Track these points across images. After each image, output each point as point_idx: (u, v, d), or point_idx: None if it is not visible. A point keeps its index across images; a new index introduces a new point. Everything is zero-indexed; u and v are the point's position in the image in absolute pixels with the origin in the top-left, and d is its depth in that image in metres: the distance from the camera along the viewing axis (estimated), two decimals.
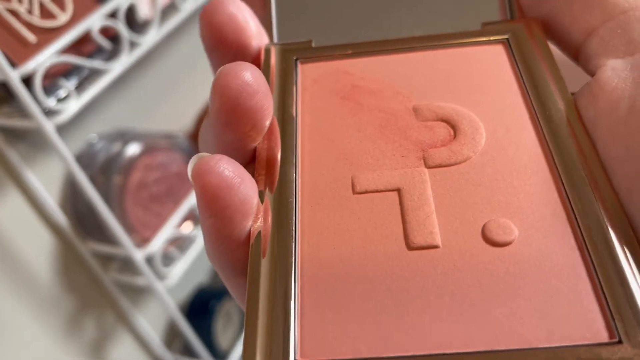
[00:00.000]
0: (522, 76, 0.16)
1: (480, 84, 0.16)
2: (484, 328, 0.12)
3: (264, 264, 0.13)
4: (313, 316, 0.13)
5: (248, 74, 0.14)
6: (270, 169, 0.15)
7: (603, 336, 0.11)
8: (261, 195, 0.14)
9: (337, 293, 0.13)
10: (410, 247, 0.13)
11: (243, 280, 0.14)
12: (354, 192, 0.14)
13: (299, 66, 0.17)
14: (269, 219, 0.14)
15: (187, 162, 0.66)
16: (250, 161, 0.15)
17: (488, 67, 0.16)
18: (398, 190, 0.14)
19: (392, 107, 0.16)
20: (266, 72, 0.17)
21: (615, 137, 0.14)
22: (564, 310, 0.12)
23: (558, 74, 0.16)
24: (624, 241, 0.13)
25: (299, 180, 0.15)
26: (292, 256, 0.13)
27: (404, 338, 0.12)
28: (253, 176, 0.14)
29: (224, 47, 0.16)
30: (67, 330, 0.65)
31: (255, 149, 0.15)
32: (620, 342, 0.11)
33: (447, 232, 0.13)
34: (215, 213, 0.13)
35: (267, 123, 0.15)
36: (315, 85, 0.17)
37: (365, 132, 0.16)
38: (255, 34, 0.16)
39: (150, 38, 0.59)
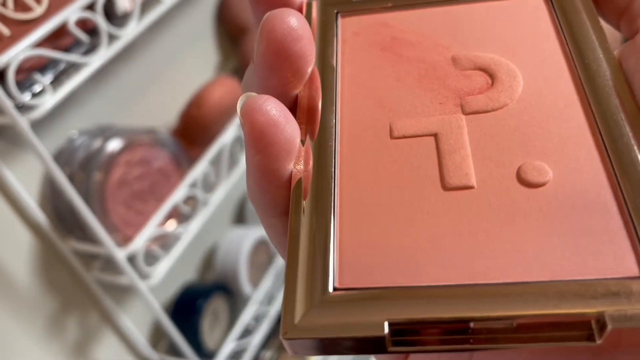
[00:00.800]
0: (562, 28, 0.16)
1: (519, 36, 0.16)
2: (517, 262, 0.12)
3: (306, 204, 0.14)
4: (351, 249, 0.13)
5: (293, 19, 0.14)
6: (311, 116, 0.15)
7: (634, 271, 0.12)
8: (302, 141, 0.15)
9: (375, 229, 0.13)
10: (445, 187, 0.14)
11: (281, 221, 0.15)
12: (392, 137, 0.15)
13: (340, 19, 0.18)
14: (310, 163, 0.15)
15: (170, 159, 0.65)
16: (291, 108, 0.16)
17: (528, 19, 0.17)
18: (435, 135, 0.15)
19: (431, 57, 0.16)
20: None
21: None
22: (596, 246, 0.12)
23: (599, 25, 0.16)
24: None
25: (338, 127, 0.15)
26: (331, 195, 0.14)
27: (439, 270, 0.12)
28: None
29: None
30: (49, 331, 0.64)
31: (296, 97, 0.16)
32: None
33: (482, 174, 0.14)
34: (262, 149, 0.14)
35: (309, 70, 0.15)
36: (355, 37, 0.17)
37: (404, 81, 0.16)
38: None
39: (130, 31, 0.57)
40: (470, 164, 0.14)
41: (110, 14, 0.57)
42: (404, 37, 0.17)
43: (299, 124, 0.15)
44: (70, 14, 0.52)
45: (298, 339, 0.12)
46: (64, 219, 0.61)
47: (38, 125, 0.56)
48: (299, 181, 0.14)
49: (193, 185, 0.66)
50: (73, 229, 0.61)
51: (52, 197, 0.61)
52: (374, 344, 0.12)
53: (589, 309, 0.11)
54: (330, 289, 0.13)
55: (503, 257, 0.12)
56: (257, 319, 0.81)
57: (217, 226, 0.85)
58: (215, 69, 0.84)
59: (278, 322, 0.86)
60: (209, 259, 0.86)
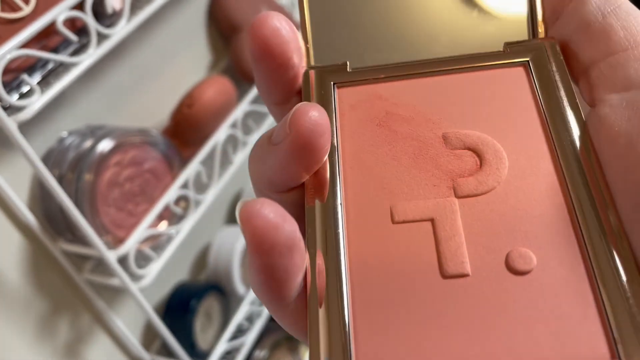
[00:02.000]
0: (541, 102, 0.17)
1: (502, 109, 0.18)
2: (508, 350, 0.14)
3: (322, 312, 0.15)
4: (366, 341, 0.15)
5: (316, 113, 0.16)
6: (320, 198, 0.17)
7: (606, 357, 0.13)
8: (312, 226, 0.16)
9: (384, 319, 0.15)
10: (444, 275, 0.15)
11: (290, 313, 0.16)
12: (393, 222, 0.16)
13: (336, 91, 0.19)
14: (323, 271, 0.16)
15: (162, 159, 0.64)
16: (298, 187, 0.17)
17: (510, 91, 0.18)
18: (432, 220, 0.16)
19: (424, 134, 0.18)
20: (307, 95, 0.19)
21: (616, 171, 0.15)
22: (574, 334, 0.14)
23: (574, 99, 0.17)
24: (628, 270, 0.14)
25: (344, 210, 0.17)
26: (344, 291, 0.15)
27: (442, 358, 0.14)
28: (303, 201, 0.17)
29: (269, 58, 0.18)
30: (40, 333, 0.63)
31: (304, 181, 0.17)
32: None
33: (475, 260, 0.15)
34: (264, 252, 0.15)
35: (325, 158, 0.17)
36: (352, 111, 0.19)
37: (400, 160, 0.17)
38: (297, 49, 0.18)
39: (120, 30, 0.56)
40: (464, 251, 0.16)
41: (100, 12, 0.56)
42: (397, 112, 0.18)
43: (308, 203, 0.17)
44: (59, 13, 0.51)
45: None
46: (55, 220, 0.60)
47: (27, 126, 0.55)
48: (313, 282, 0.16)
49: (185, 185, 0.66)
50: (63, 230, 0.60)
51: (42, 199, 0.60)
52: None
53: None
54: None
55: (497, 345, 0.14)
56: (250, 319, 0.81)
57: (209, 226, 0.85)
58: (207, 68, 0.83)
59: (271, 321, 0.86)
60: (201, 259, 0.85)
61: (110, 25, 0.57)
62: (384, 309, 0.15)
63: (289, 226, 0.15)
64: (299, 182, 0.17)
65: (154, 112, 0.74)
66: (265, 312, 0.82)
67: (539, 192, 0.16)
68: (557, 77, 0.18)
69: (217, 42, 0.84)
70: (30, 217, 0.59)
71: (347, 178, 0.17)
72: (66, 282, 0.65)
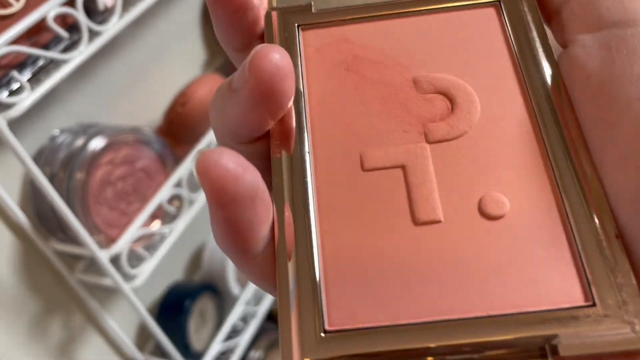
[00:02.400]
0: (512, 43, 0.17)
1: (474, 52, 0.17)
2: (481, 296, 0.14)
3: (292, 253, 0.15)
4: (337, 293, 0.14)
5: (278, 56, 0.15)
6: (286, 146, 0.16)
7: (580, 300, 0.14)
8: (279, 177, 0.16)
9: (355, 270, 0.15)
10: (416, 222, 0.15)
11: (257, 265, 0.15)
12: (363, 169, 0.16)
13: (301, 33, 0.18)
14: (291, 223, 0.15)
15: (155, 158, 0.64)
16: (263, 136, 0.17)
17: (481, 32, 0.18)
18: (403, 167, 0.16)
19: (393, 79, 0.17)
20: (269, 38, 0.18)
21: (588, 111, 0.15)
22: (549, 278, 0.14)
23: (546, 40, 0.17)
24: (601, 213, 0.14)
25: (312, 159, 0.16)
26: (312, 239, 0.15)
27: (415, 307, 0.14)
28: (269, 151, 0.16)
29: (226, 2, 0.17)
30: (32, 333, 0.63)
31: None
32: (594, 304, 0.13)
33: (447, 206, 0.15)
34: (225, 204, 0.14)
35: (290, 104, 0.16)
36: (318, 55, 0.18)
37: (369, 106, 0.17)
38: None
39: (112, 26, 0.56)
40: (436, 197, 0.15)
41: (91, 9, 0.55)
42: (365, 56, 0.18)
43: (274, 153, 0.16)
44: (49, 10, 0.50)
45: None
46: (46, 219, 0.59)
47: (18, 124, 0.55)
48: (281, 229, 0.15)
49: (178, 184, 0.65)
50: (55, 230, 0.60)
51: (33, 198, 0.60)
52: None
53: (542, 332, 0.13)
54: (322, 333, 0.14)
55: (469, 291, 0.14)
56: (245, 319, 0.80)
57: (204, 225, 0.84)
58: (200, 66, 0.82)
59: (266, 321, 0.86)
60: (196, 259, 0.85)
61: (102, 21, 0.56)
62: (355, 259, 0.15)
63: (250, 176, 0.14)
64: (263, 130, 0.16)
65: (147, 110, 0.73)
66: (260, 313, 0.82)
67: (511, 135, 0.16)
68: (529, 18, 0.17)
69: (211, 39, 0.83)
70: (21, 217, 0.58)
71: (314, 125, 0.17)
72: (58, 281, 0.65)
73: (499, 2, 0.18)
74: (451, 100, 0.17)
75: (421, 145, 0.16)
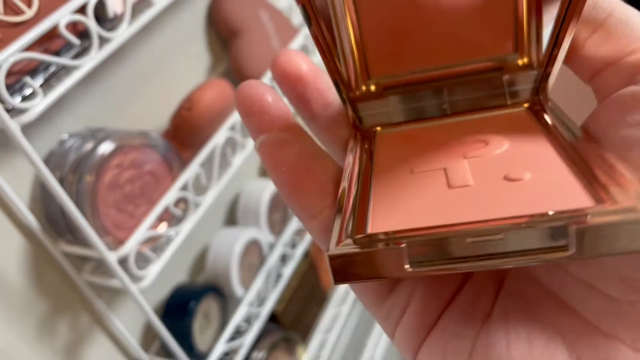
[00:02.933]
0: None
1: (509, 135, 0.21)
2: (501, 211, 0.16)
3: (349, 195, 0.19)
4: (382, 208, 0.18)
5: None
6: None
7: (591, 203, 0.16)
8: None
9: (397, 204, 0.18)
10: (450, 187, 0.18)
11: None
12: (412, 172, 0.20)
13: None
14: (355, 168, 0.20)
15: (162, 161, 0.65)
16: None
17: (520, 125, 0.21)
18: (444, 168, 0.19)
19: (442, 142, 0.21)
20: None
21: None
22: (560, 195, 0.16)
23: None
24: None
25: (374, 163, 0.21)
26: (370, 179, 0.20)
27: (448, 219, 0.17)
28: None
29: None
30: (40, 333, 0.64)
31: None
32: (603, 202, 0.15)
33: (478, 178, 0.18)
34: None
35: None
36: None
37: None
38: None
39: (122, 33, 0.57)
40: (469, 174, 0.19)
41: (101, 16, 0.57)
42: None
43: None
44: (61, 17, 0.51)
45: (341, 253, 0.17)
46: (55, 222, 0.61)
47: (29, 128, 0.56)
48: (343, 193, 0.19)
49: (184, 187, 0.66)
50: (64, 232, 0.61)
51: (43, 200, 0.61)
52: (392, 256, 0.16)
53: (563, 221, 0.15)
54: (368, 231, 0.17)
55: (492, 210, 0.16)
56: (249, 320, 0.81)
57: (208, 227, 0.85)
58: (206, 71, 0.84)
59: (269, 322, 0.87)
60: (200, 260, 0.86)
61: (111, 28, 0.58)
62: (398, 198, 0.18)
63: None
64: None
65: (154, 114, 0.75)
66: (263, 314, 0.83)
67: (534, 155, 0.19)
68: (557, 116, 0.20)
69: (217, 45, 0.85)
70: (31, 219, 0.59)
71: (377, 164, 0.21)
72: (66, 283, 0.66)
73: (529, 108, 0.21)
74: (486, 142, 0.20)
75: (460, 159, 0.20)
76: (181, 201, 0.67)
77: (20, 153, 0.52)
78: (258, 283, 0.82)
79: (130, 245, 0.59)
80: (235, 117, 0.73)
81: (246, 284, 0.83)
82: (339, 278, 0.17)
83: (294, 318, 0.97)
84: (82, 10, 0.54)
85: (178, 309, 0.75)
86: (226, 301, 0.81)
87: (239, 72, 0.78)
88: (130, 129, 0.68)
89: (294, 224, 0.92)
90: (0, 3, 0.51)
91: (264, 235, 0.87)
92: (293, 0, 0.97)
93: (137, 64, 0.71)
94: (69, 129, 0.64)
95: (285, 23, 0.85)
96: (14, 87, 0.51)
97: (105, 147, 0.60)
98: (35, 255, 0.62)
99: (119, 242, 0.61)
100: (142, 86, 0.73)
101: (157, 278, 0.64)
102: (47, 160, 0.61)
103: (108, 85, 0.68)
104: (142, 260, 0.64)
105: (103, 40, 0.56)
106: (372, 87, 0.22)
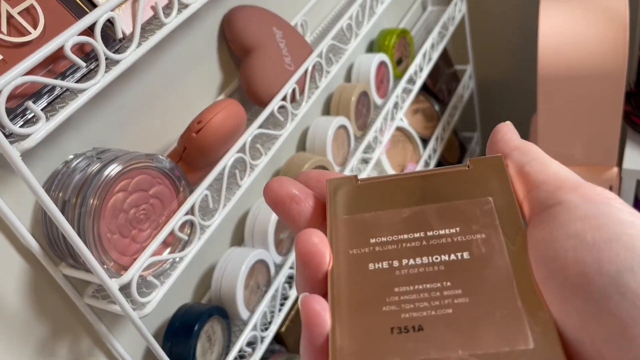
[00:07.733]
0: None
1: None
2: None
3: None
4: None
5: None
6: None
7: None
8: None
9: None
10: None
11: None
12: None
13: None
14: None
15: (168, 184, 0.63)
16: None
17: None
18: None
19: None
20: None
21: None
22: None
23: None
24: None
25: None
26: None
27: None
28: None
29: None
30: (39, 356, 0.62)
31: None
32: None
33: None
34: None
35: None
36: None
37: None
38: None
39: (130, 55, 0.55)
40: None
41: (109, 36, 0.55)
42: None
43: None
44: (67, 39, 0.49)
45: None
46: (57, 245, 0.59)
47: (32, 148, 0.54)
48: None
49: (191, 211, 0.64)
50: (65, 255, 0.59)
51: (44, 223, 0.59)
52: None
53: None
54: None
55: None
56: (253, 344, 0.79)
57: (215, 246, 0.83)
58: (216, 92, 0.81)
59: (274, 341, 0.85)
60: (205, 281, 0.84)
61: (119, 49, 0.56)
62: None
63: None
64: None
65: (162, 135, 0.73)
66: (267, 339, 0.81)
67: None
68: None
69: (227, 65, 0.82)
70: (32, 242, 0.58)
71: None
72: (67, 305, 0.64)
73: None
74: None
75: None
76: (187, 225, 0.65)
77: (20, 176, 0.50)
78: (263, 306, 0.80)
79: (133, 272, 0.57)
80: (244, 138, 0.71)
81: (251, 305, 0.81)
82: None
83: (298, 338, 0.95)
84: (90, 28, 0.52)
85: (181, 332, 0.73)
86: (230, 323, 0.79)
87: (249, 91, 0.76)
88: (137, 149, 0.66)
89: None
90: (4, 23, 0.49)
91: (271, 256, 0.85)
92: (307, 16, 0.95)
93: (146, 84, 0.70)
94: (75, 149, 0.62)
95: (299, 40, 0.83)
96: (15, 110, 0.49)
97: (111, 169, 0.58)
98: (36, 278, 0.61)
99: (121, 268, 0.59)
100: (150, 106, 0.71)
101: (160, 300, 0.62)
102: (51, 181, 0.59)
103: (115, 105, 0.66)
104: (145, 287, 0.62)
105: (110, 62, 0.54)
106: None
